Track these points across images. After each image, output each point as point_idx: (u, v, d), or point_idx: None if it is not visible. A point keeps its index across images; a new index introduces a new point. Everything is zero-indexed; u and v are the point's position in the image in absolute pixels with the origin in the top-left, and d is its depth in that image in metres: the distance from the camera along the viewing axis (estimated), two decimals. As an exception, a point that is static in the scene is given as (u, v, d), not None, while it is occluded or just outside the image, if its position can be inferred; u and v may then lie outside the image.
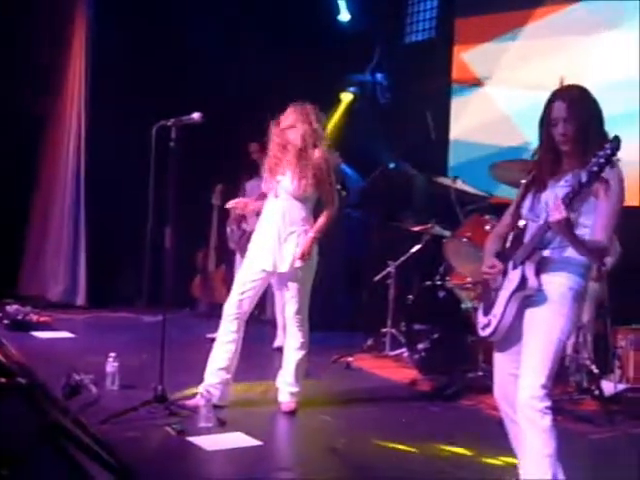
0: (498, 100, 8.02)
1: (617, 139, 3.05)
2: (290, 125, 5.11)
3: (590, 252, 3.29)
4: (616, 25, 6.74)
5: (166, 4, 8.83)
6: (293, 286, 5.13)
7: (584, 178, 3.05)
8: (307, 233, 5.09)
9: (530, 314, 3.35)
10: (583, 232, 3.26)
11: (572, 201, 3.12)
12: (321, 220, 5.15)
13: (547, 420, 3.24)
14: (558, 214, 3.10)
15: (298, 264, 5.04)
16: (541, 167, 3.46)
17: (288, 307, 5.19)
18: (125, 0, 8.68)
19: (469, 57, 8.30)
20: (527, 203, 3.47)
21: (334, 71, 8.82)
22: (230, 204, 5.50)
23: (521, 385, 3.28)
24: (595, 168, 3.02)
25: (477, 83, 8.22)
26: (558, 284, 3.31)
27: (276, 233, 5.09)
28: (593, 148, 3.12)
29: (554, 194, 3.29)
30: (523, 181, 3.61)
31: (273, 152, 5.18)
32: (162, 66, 8.92)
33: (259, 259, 5.13)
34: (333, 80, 8.89)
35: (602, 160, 3.00)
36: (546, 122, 3.40)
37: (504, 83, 7.88)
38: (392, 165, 8.47)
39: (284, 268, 5.08)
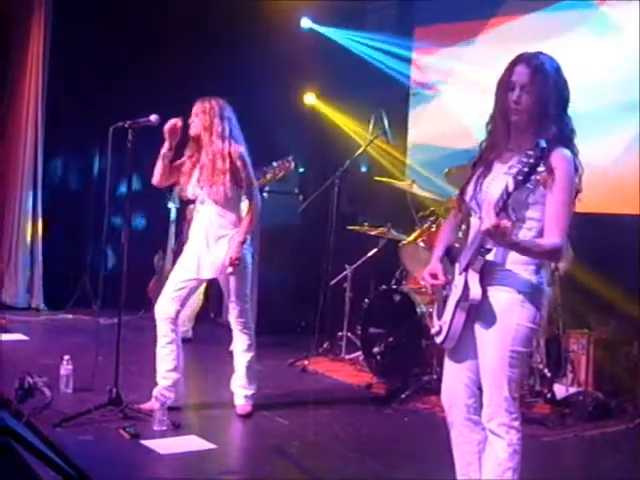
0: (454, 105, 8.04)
1: (540, 147, 2.75)
2: (193, 120, 5.04)
3: (541, 255, 3.05)
4: (564, 33, 6.85)
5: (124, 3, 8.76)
6: (230, 292, 5.11)
7: (520, 176, 2.76)
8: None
9: (479, 327, 3.11)
10: (531, 225, 3.02)
11: (506, 204, 2.82)
12: (245, 221, 5.05)
13: (512, 434, 3.09)
14: (488, 221, 2.82)
15: (229, 270, 4.99)
16: (493, 140, 3.18)
17: (230, 312, 5.18)
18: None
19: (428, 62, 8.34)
20: (470, 189, 3.19)
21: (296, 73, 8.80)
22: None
23: (485, 401, 3.11)
24: (526, 169, 2.75)
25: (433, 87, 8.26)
26: (506, 291, 3.05)
27: (204, 239, 5.03)
28: (547, 128, 2.94)
29: (496, 181, 3.04)
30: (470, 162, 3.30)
31: (187, 154, 5.11)
32: (124, 66, 8.85)
33: (186, 265, 5.10)
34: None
35: (526, 169, 2.75)
36: (504, 86, 3.08)
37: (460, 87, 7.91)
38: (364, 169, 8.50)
39: (209, 274, 5.06)
